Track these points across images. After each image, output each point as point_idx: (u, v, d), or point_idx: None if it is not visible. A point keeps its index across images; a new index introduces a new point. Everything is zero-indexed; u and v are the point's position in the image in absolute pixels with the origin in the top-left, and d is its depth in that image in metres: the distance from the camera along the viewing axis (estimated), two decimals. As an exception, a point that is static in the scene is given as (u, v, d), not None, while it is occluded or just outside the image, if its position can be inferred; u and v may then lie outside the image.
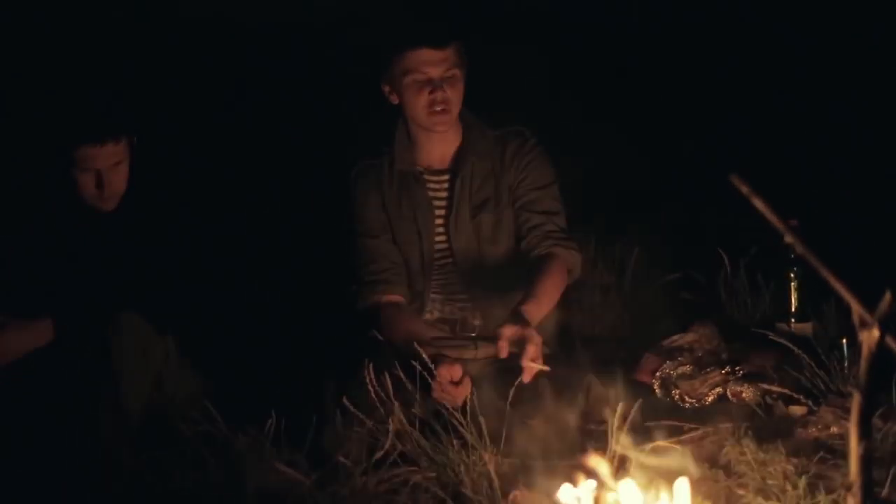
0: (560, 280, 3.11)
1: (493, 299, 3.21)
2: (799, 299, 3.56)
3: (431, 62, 3.09)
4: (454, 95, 3.13)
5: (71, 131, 3.03)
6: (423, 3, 3.71)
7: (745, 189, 1.56)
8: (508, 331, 2.84)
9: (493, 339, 2.90)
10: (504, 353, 2.84)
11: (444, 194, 3.25)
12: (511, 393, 2.76)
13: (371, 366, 2.75)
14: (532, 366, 2.81)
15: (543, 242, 3.17)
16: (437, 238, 3.25)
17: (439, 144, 3.24)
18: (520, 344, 2.83)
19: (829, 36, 4.56)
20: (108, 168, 3.06)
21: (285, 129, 4.43)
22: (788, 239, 1.63)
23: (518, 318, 2.89)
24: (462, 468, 2.58)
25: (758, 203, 1.57)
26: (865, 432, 1.61)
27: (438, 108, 3.12)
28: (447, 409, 2.75)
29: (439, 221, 3.25)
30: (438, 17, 3.31)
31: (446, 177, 3.26)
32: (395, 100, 3.19)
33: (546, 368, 2.83)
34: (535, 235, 3.18)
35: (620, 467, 2.44)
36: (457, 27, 3.19)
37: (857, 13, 4.53)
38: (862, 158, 4.37)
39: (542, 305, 3.01)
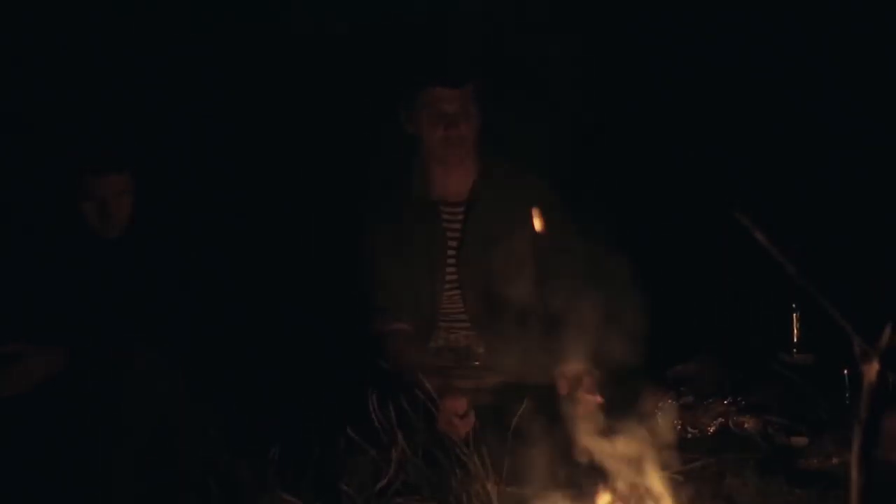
0: None
1: (499, 330, 3.22)
2: (801, 330, 3.56)
3: (447, 99, 3.15)
4: (468, 130, 3.18)
5: (75, 162, 3.05)
6: (446, 38, 3.72)
7: (747, 223, 1.58)
8: (568, 369, 2.91)
9: (496, 368, 2.90)
10: (564, 391, 2.90)
11: (458, 226, 3.27)
12: (513, 423, 2.77)
13: (375, 394, 2.76)
14: (588, 398, 2.85)
15: None
16: (448, 269, 3.26)
17: (454, 177, 3.26)
18: (576, 379, 2.89)
19: (833, 64, 4.56)
20: (112, 198, 3.08)
21: (295, 152, 4.42)
22: (790, 272, 1.64)
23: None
24: (465, 497, 2.58)
25: (760, 237, 1.58)
26: (866, 463, 1.62)
27: (453, 142, 3.17)
28: (450, 438, 2.75)
29: (451, 253, 3.26)
30: (459, 55, 3.35)
31: (461, 209, 3.27)
32: (410, 129, 3.23)
33: (600, 400, 2.87)
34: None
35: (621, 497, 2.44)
36: (476, 66, 3.25)
37: (859, 40, 4.54)
38: (867, 190, 4.37)
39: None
